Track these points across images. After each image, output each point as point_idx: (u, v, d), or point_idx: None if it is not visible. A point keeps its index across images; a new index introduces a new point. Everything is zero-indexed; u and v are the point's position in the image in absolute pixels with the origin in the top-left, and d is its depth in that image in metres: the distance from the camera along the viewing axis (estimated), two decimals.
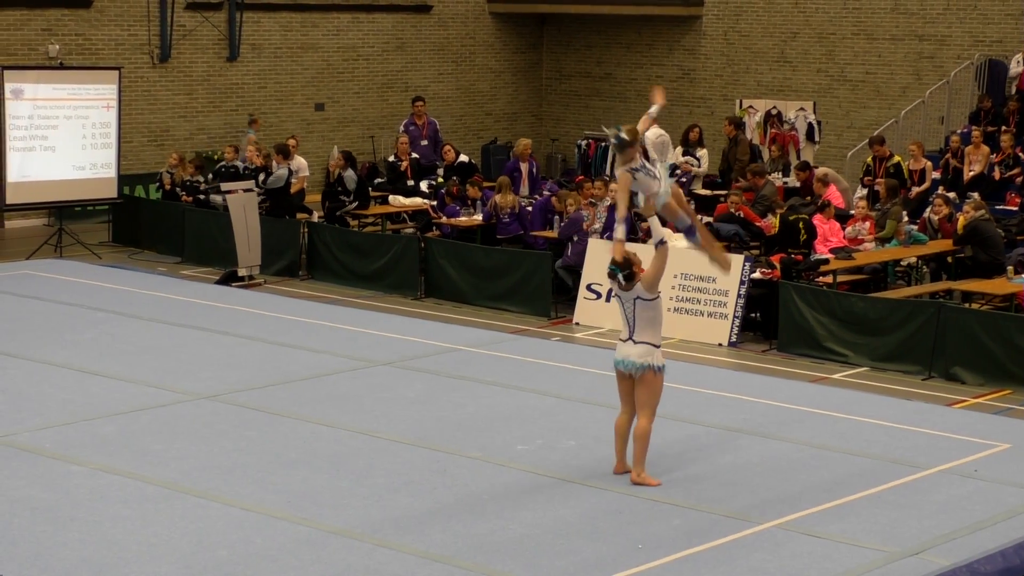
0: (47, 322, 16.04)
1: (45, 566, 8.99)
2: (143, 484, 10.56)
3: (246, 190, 19.55)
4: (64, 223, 21.38)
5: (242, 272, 19.10)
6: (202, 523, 9.79)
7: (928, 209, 18.80)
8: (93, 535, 9.54)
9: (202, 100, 25.74)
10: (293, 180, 21.60)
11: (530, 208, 19.71)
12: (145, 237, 21.69)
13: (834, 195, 19.43)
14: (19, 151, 20.70)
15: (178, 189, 21.73)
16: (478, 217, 19.55)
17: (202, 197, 21.36)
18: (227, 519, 9.87)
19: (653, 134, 23.14)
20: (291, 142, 21.97)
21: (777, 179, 21.47)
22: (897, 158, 20.91)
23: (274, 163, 20.92)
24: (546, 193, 20.30)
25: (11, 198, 20.97)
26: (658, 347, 10.49)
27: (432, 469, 11.01)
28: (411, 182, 22.06)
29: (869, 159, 21.25)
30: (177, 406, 12.69)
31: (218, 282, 19.01)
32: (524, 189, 20.92)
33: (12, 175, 20.71)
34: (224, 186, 19.93)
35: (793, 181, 21.97)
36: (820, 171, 20.38)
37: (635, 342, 10.49)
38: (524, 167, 21.34)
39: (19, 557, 9.13)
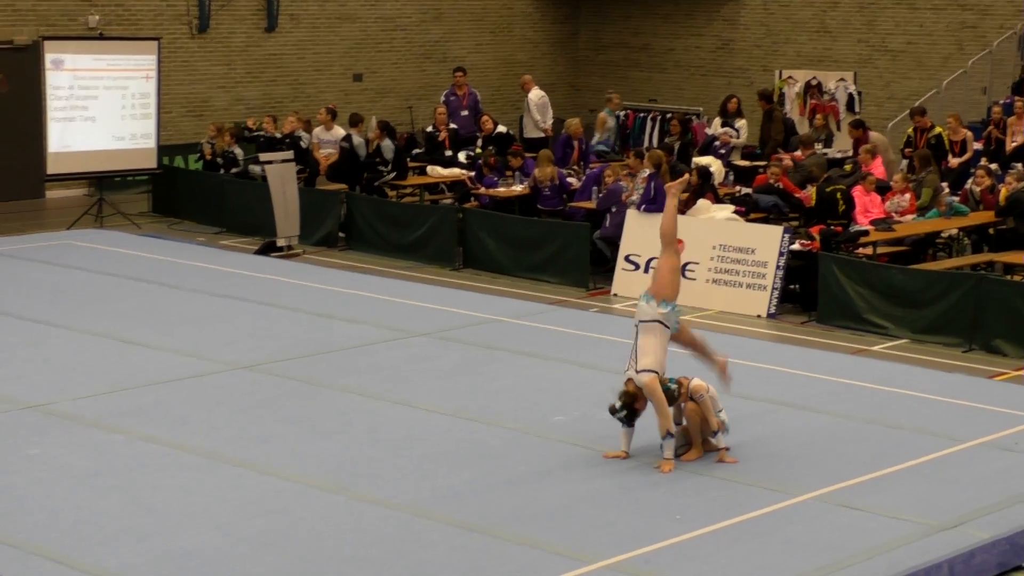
0: (88, 292, 16.13)
1: (86, 534, 9.06)
2: (182, 453, 10.62)
3: (284, 160, 19.59)
4: (104, 193, 21.47)
5: (281, 242, 19.14)
6: (240, 492, 9.84)
7: (970, 180, 18.65)
8: (133, 503, 9.61)
9: (240, 71, 25.76)
10: (332, 150, 21.63)
11: (571, 179, 19.67)
12: (184, 207, 21.76)
13: (879, 168, 19.31)
14: (59, 121, 20.78)
15: (218, 159, 21.80)
16: (517, 187, 19.52)
17: (235, 170, 21.41)
18: (265, 488, 9.92)
19: (536, 95, 23.48)
20: (321, 112, 22.04)
21: (819, 150, 21.36)
22: (938, 129, 20.75)
23: (317, 130, 21.24)
24: (593, 166, 20.29)
25: (52, 168, 21.07)
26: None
27: (470, 440, 11.02)
28: (449, 152, 22.05)
29: (910, 130, 21.09)
30: (216, 376, 12.75)
31: (257, 252, 19.06)
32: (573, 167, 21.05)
33: (53, 145, 20.79)
34: (262, 156, 19.97)
35: (834, 152, 21.87)
36: (873, 138, 20.29)
37: None
38: (576, 144, 21.41)
39: (60, 525, 9.20)
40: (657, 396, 10.27)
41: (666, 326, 10.40)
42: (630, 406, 10.36)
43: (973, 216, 17.76)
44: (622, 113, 25.64)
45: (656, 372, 10.27)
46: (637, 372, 10.30)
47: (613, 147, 23.07)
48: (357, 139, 21.05)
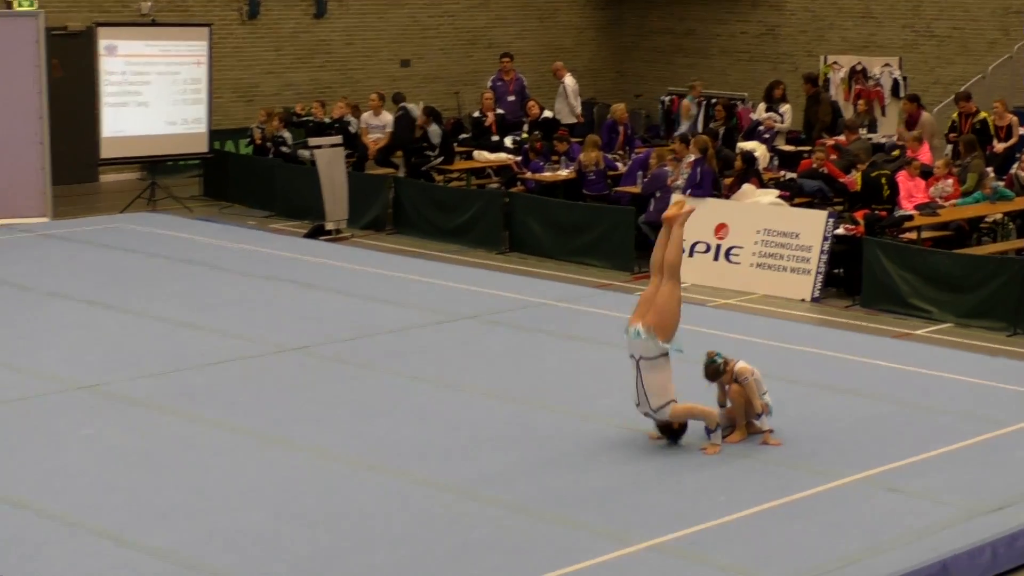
0: (140, 274, 16.23)
1: (139, 512, 9.13)
2: (232, 434, 10.68)
3: (333, 145, 19.64)
4: (156, 177, 21.59)
5: (329, 226, 19.19)
6: (289, 472, 9.88)
7: (1015, 165, 18.48)
8: (185, 482, 9.67)
9: (290, 56, 25.83)
10: (380, 135, 21.69)
11: (617, 164, 19.63)
12: (235, 191, 21.85)
13: (926, 154, 19.16)
14: (113, 106, 20.90)
15: (268, 144, 21.89)
16: (563, 172, 19.49)
17: (285, 150, 21.49)
18: (314, 469, 9.96)
19: (571, 81, 23.41)
20: (373, 97, 22.09)
21: (864, 135, 21.22)
22: (983, 114, 20.56)
23: (366, 115, 21.65)
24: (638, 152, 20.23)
25: (106, 153, 21.20)
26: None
27: (515, 422, 11.02)
28: (495, 137, 22.04)
29: (955, 115, 20.92)
30: (266, 358, 12.80)
31: (306, 236, 19.12)
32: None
33: (106, 130, 20.92)
34: (312, 141, 20.02)
35: (878, 138, 21.71)
36: (924, 118, 20.17)
37: None
38: (621, 129, 21.39)
39: (113, 503, 9.27)
40: (689, 413, 10.21)
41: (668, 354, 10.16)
42: (670, 431, 10.31)
43: (1018, 201, 17.59)
44: (667, 99, 25.54)
45: (673, 400, 10.15)
46: (654, 411, 10.16)
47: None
48: (411, 104, 21.23)
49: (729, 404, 10.60)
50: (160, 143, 21.44)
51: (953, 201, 17.51)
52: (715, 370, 10.49)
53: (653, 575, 8.31)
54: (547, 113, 22.60)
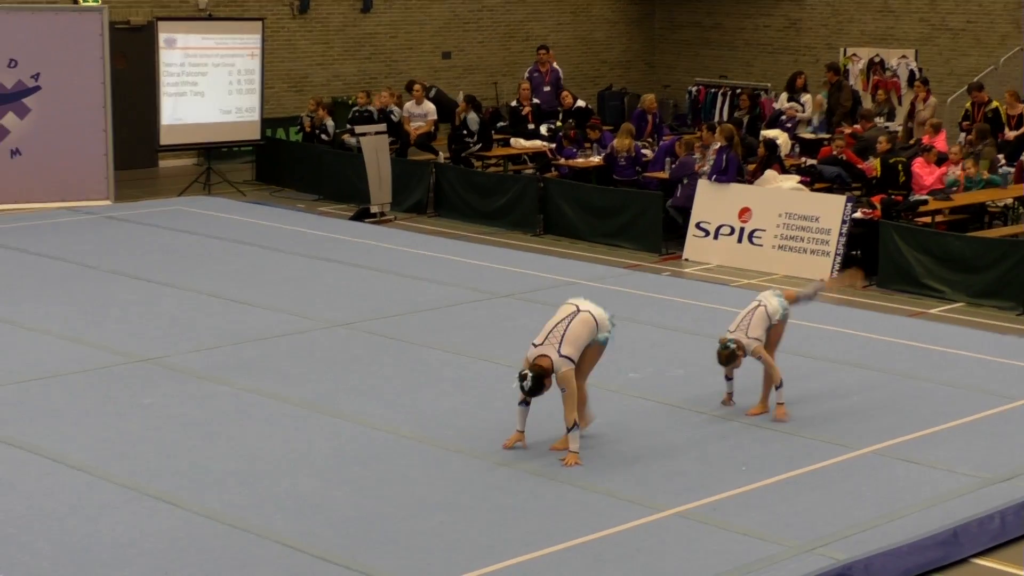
0: (197, 254, 16.29)
1: (197, 477, 9.18)
2: (283, 404, 10.71)
3: (378, 132, 19.64)
4: (212, 163, 21.65)
5: (374, 209, 19.20)
6: (337, 440, 9.91)
7: None
8: (239, 449, 9.71)
9: (338, 49, 25.83)
10: (422, 123, 21.68)
11: (646, 151, 19.57)
12: (286, 176, 21.89)
13: (941, 142, 19.02)
14: (172, 96, 20.97)
15: (316, 131, 21.91)
16: (595, 159, 19.44)
17: (324, 137, 21.52)
18: (360, 437, 9.99)
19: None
20: (416, 87, 22.09)
21: (881, 123, 21.08)
22: (995, 103, 20.39)
23: (408, 104, 21.73)
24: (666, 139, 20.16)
25: (164, 140, 21.27)
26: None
27: (550, 395, 10.97)
28: (532, 126, 21.99)
29: (968, 104, 20.75)
30: (314, 333, 12.84)
31: (352, 218, 19.13)
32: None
33: (165, 118, 20.99)
34: (358, 129, 20.03)
35: (895, 126, 21.55)
36: (930, 101, 20.03)
37: None
38: (650, 118, 21.33)
39: (173, 468, 9.33)
40: (571, 388, 9.43)
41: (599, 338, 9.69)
42: (539, 379, 9.40)
43: (1012, 189, 17.45)
44: (694, 89, 25.40)
45: (574, 363, 9.48)
46: (560, 356, 9.37)
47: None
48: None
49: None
50: (215, 131, 21.50)
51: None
52: (729, 355, 10.29)
53: (678, 540, 8.30)
54: (580, 103, 22.52)
